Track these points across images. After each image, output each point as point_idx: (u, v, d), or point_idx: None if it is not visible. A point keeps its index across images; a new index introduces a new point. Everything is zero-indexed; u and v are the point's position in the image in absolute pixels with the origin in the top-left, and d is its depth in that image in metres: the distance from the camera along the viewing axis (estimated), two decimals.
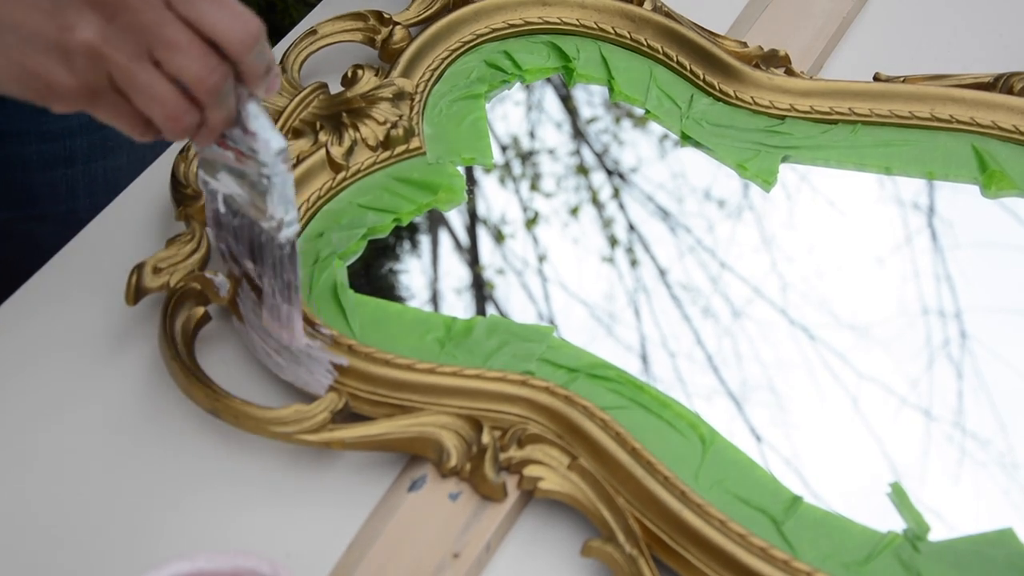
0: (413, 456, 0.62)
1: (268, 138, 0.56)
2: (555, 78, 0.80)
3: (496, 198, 0.74)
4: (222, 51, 0.53)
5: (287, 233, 0.58)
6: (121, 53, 0.53)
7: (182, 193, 0.69)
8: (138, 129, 0.56)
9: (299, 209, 0.69)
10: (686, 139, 0.76)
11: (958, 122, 0.75)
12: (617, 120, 0.78)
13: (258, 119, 0.56)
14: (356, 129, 0.73)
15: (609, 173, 0.76)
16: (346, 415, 0.62)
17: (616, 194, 0.74)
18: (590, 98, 0.79)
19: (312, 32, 0.78)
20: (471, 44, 0.79)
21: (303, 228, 0.69)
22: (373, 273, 0.70)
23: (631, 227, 0.73)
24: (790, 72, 0.78)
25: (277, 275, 0.61)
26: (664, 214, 0.73)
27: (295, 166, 0.70)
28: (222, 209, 0.61)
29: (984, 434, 0.64)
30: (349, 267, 0.69)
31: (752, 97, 0.77)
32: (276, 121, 0.72)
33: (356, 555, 0.59)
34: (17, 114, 0.80)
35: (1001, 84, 0.76)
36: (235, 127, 0.56)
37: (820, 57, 0.81)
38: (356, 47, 0.80)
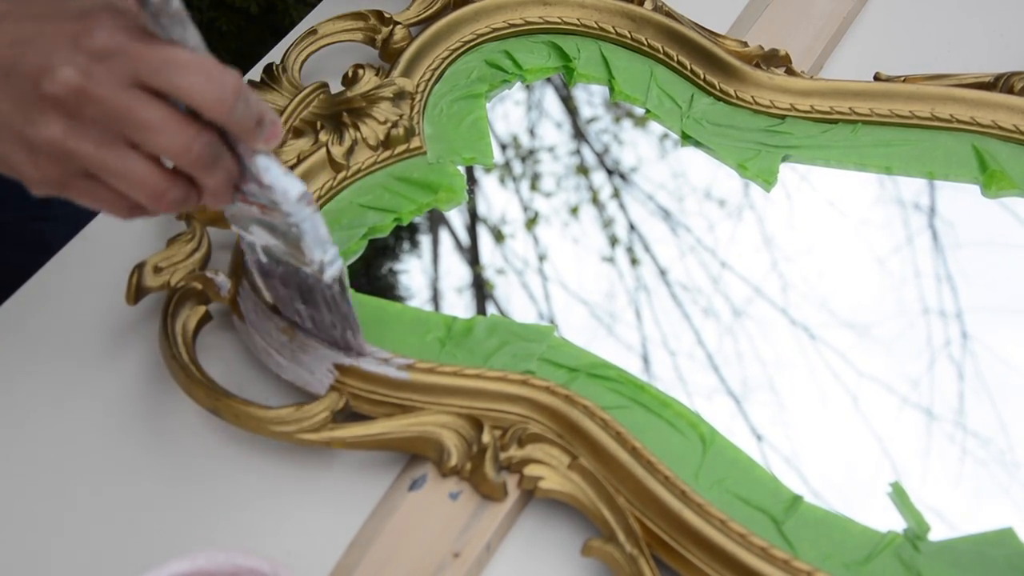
0: (413, 455, 0.62)
1: (286, 187, 0.54)
2: (555, 78, 0.80)
3: (496, 198, 0.74)
4: (202, 116, 0.51)
5: (332, 272, 0.57)
6: (88, 143, 0.51)
7: None
8: (122, 211, 0.54)
9: None
10: (686, 139, 0.76)
11: (958, 122, 0.75)
12: (617, 120, 0.78)
13: (270, 171, 0.54)
14: (357, 128, 0.73)
15: (609, 173, 0.76)
16: (346, 414, 0.62)
17: (616, 194, 0.74)
18: (590, 98, 0.79)
19: (312, 32, 0.78)
20: (471, 44, 0.79)
21: None
22: (373, 272, 0.70)
23: (631, 227, 0.73)
24: (790, 72, 0.78)
25: (333, 311, 0.60)
26: (664, 214, 0.73)
27: (296, 165, 0.70)
28: (263, 259, 0.60)
29: (985, 433, 0.64)
30: (350, 266, 0.69)
31: (752, 97, 0.77)
32: None
33: (356, 555, 0.59)
34: None
35: (1002, 84, 0.76)
36: (249, 182, 0.54)
37: (820, 57, 0.81)
38: (356, 47, 0.80)
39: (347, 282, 0.58)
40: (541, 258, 0.71)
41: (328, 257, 0.57)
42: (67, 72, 0.49)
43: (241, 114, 0.51)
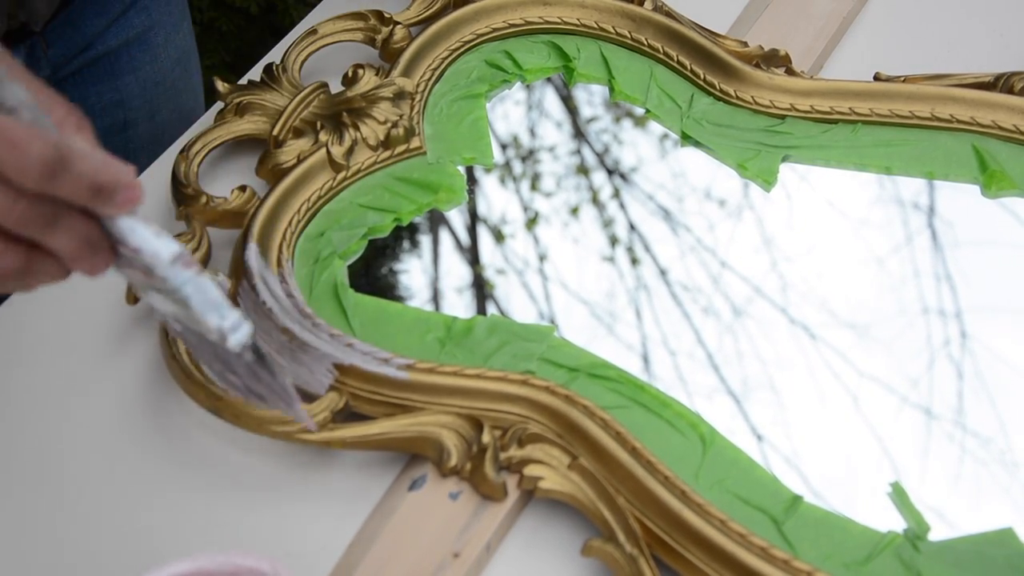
0: (413, 455, 0.62)
1: (156, 250, 0.48)
2: (555, 78, 0.80)
3: (496, 198, 0.74)
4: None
5: (237, 339, 0.49)
6: None
7: (182, 193, 0.69)
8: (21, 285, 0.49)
9: (300, 209, 0.69)
10: (686, 139, 0.76)
11: (958, 122, 0.75)
12: (617, 120, 0.78)
13: (134, 232, 0.48)
14: (357, 129, 0.73)
15: (610, 173, 0.76)
16: (346, 414, 0.62)
17: (616, 194, 0.74)
18: (590, 98, 0.79)
19: (312, 32, 0.78)
20: (471, 44, 0.79)
21: (304, 227, 0.69)
22: (373, 273, 0.70)
23: (631, 226, 0.73)
24: (790, 72, 0.78)
25: (259, 380, 0.53)
26: (664, 213, 0.73)
27: (296, 165, 0.70)
28: (177, 328, 0.53)
29: (984, 433, 0.64)
30: (350, 267, 0.69)
31: (752, 97, 0.77)
32: (276, 121, 0.72)
33: (356, 555, 0.59)
34: None
35: (1001, 84, 0.76)
36: (122, 244, 0.49)
37: (820, 57, 0.81)
38: (356, 47, 0.80)
39: (266, 349, 0.52)
40: (541, 258, 0.71)
41: (228, 324, 0.49)
42: None
43: (65, 183, 0.46)
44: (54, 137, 0.46)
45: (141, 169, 0.75)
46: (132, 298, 0.65)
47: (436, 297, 0.69)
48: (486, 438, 0.60)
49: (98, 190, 0.47)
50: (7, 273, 0.48)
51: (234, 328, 0.49)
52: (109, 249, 0.49)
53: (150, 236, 0.48)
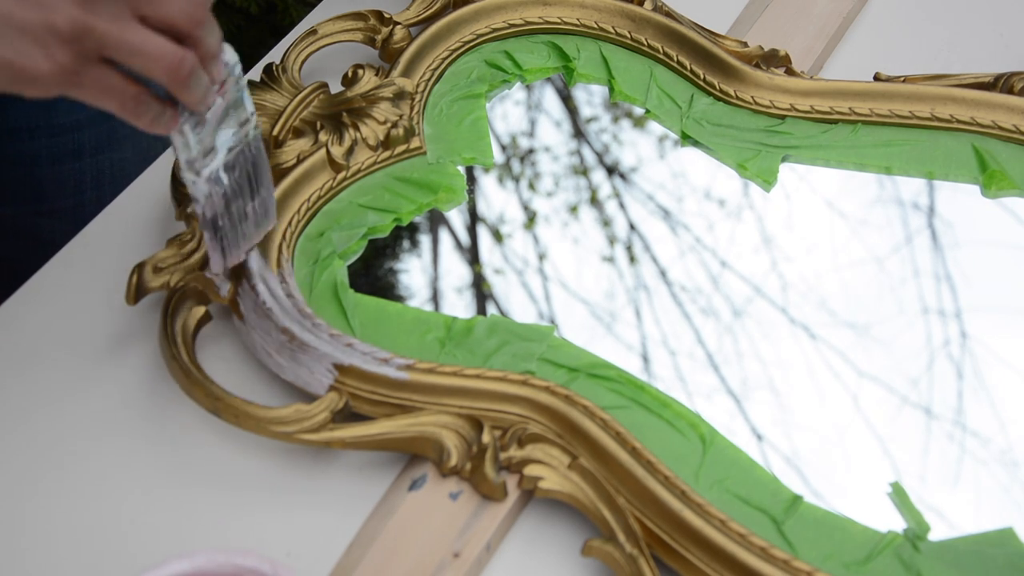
0: (413, 456, 0.62)
1: (225, 50, 0.58)
2: (555, 78, 0.80)
3: (496, 198, 0.74)
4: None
5: (254, 122, 0.61)
6: (106, 20, 0.52)
7: (183, 193, 0.69)
8: (127, 103, 0.55)
9: (300, 209, 0.70)
10: (686, 139, 0.76)
11: (958, 122, 0.75)
12: (617, 120, 0.78)
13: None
14: (356, 129, 0.73)
15: (609, 173, 0.76)
16: (346, 415, 0.62)
17: (616, 193, 0.74)
18: (590, 98, 0.79)
19: (312, 32, 0.78)
20: (471, 44, 0.79)
21: (304, 227, 0.70)
22: (373, 272, 0.70)
23: (631, 226, 0.73)
24: (790, 72, 0.78)
25: (255, 180, 0.63)
26: (664, 213, 0.73)
27: (296, 165, 0.70)
28: (224, 178, 0.62)
29: (984, 432, 0.64)
30: (349, 267, 0.69)
31: (752, 97, 0.77)
32: (277, 120, 0.73)
33: (356, 555, 0.59)
34: (28, 110, 0.80)
35: (1001, 84, 0.76)
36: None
37: (820, 57, 0.81)
38: (356, 47, 0.80)
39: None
40: (541, 258, 0.71)
41: (251, 108, 0.61)
42: None
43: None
44: None
45: (141, 169, 0.75)
46: (132, 298, 0.65)
47: (436, 297, 0.69)
48: (486, 438, 0.60)
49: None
50: (190, 76, 0.54)
51: (253, 112, 0.61)
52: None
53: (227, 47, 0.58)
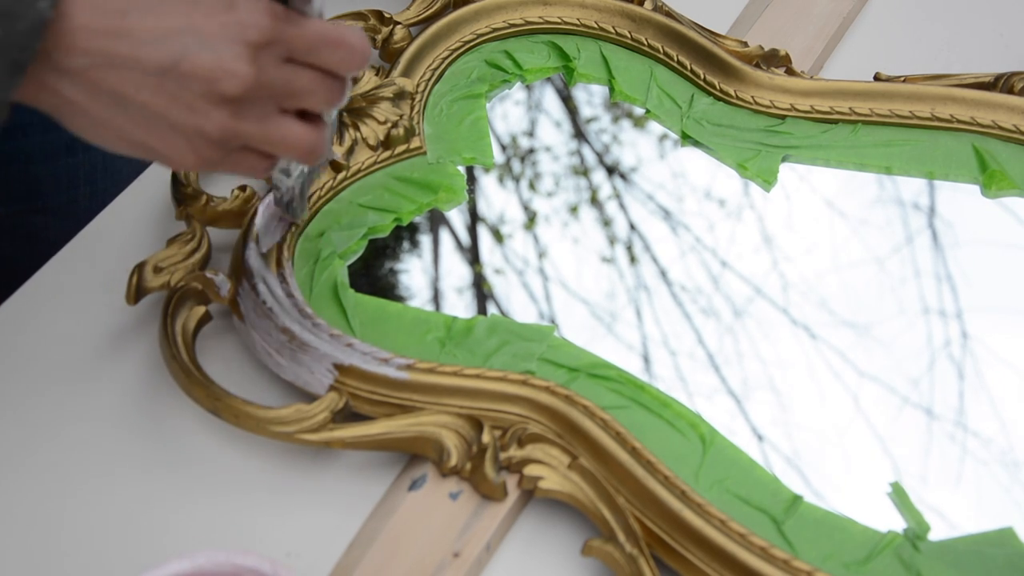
0: (413, 455, 0.62)
1: None
2: (556, 78, 0.80)
3: (496, 197, 0.74)
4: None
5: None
6: (251, 123, 0.55)
7: (182, 192, 0.69)
8: (262, 171, 0.58)
9: None
10: (686, 139, 0.76)
11: (958, 122, 0.75)
12: (617, 120, 0.78)
13: None
14: (357, 128, 0.73)
15: (610, 173, 0.76)
16: (346, 415, 0.62)
17: (616, 193, 0.74)
18: (590, 98, 0.79)
19: None
20: (472, 44, 0.79)
21: (304, 227, 0.70)
22: (373, 272, 0.70)
23: (632, 226, 0.73)
24: (790, 72, 0.78)
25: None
26: (665, 213, 0.73)
27: None
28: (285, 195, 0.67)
29: (985, 433, 0.64)
30: (349, 267, 0.69)
31: (752, 97, 0.77)
32: None
33: (356, 555, 0.59)
34: (21, 107, 0.80)
35: (1002, 84, 0.76)
36: None
37: (820, 57, 0.81)
38: None
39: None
40: (541, 258, 0.71)
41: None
42: (243, 70, 0.53)
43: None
44: (358, 31, 0.57)
45: (141, 169, 0.75)
46: (132, 298, 0.65)
47: (436, 297, 0.69)
48: (486, 438, 0.60)
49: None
50: (319, 152, 0.58)
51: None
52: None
53: None
